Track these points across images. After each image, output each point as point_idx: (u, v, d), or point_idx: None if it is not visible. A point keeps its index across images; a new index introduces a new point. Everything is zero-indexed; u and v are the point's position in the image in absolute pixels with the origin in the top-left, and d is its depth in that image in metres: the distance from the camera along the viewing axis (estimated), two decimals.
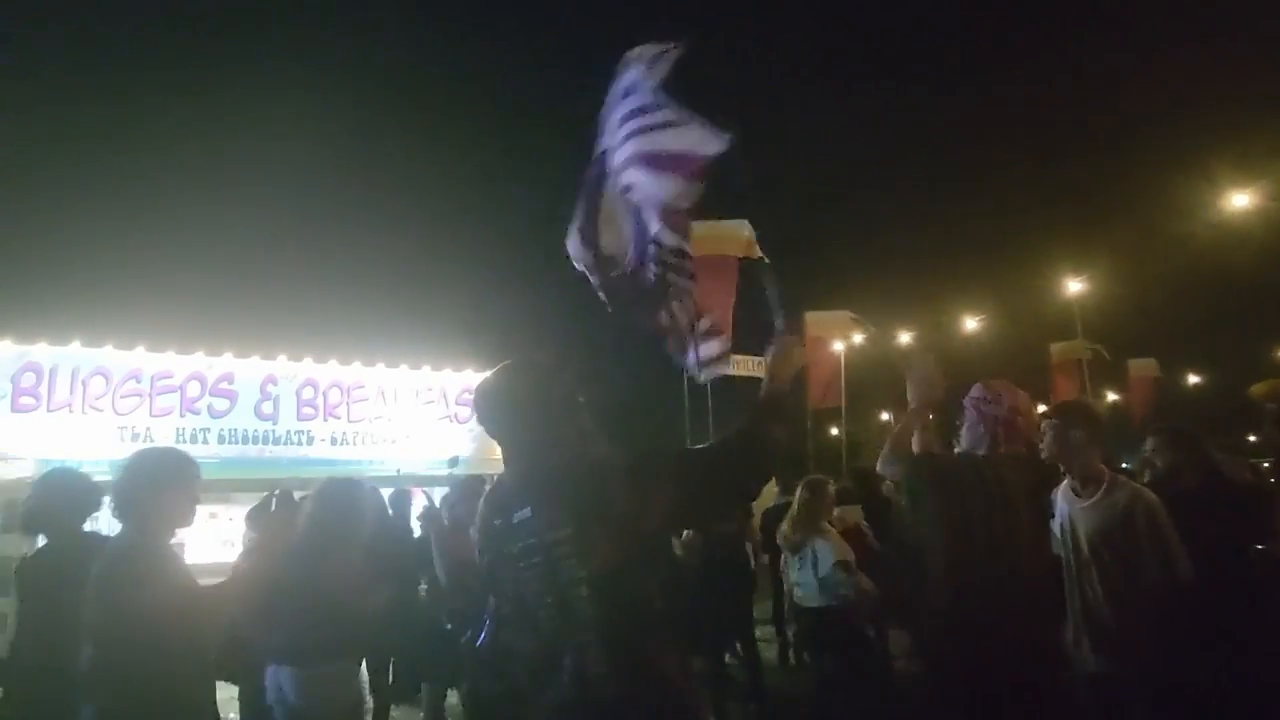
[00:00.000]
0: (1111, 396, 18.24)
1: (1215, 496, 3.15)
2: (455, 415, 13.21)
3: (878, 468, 3.06)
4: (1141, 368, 16.21)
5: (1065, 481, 3.02)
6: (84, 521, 3.11)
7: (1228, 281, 22.49)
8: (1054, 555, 2.93)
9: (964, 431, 2.86)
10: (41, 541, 3.11)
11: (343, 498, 3.30)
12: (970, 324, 19.52)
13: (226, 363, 11.66)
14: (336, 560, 3.11)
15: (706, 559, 5.62)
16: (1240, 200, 13.30)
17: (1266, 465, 8.11)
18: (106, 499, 2.64)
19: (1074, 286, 15.67)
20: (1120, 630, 2.74)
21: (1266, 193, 13.25)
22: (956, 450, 2.94)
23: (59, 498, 3.08)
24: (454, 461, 12.95)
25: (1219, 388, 24.76)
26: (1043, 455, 2.95)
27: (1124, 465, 5.08)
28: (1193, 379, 25.71)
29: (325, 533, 3.17)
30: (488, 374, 2.02)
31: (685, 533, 5.60)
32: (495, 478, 1.99)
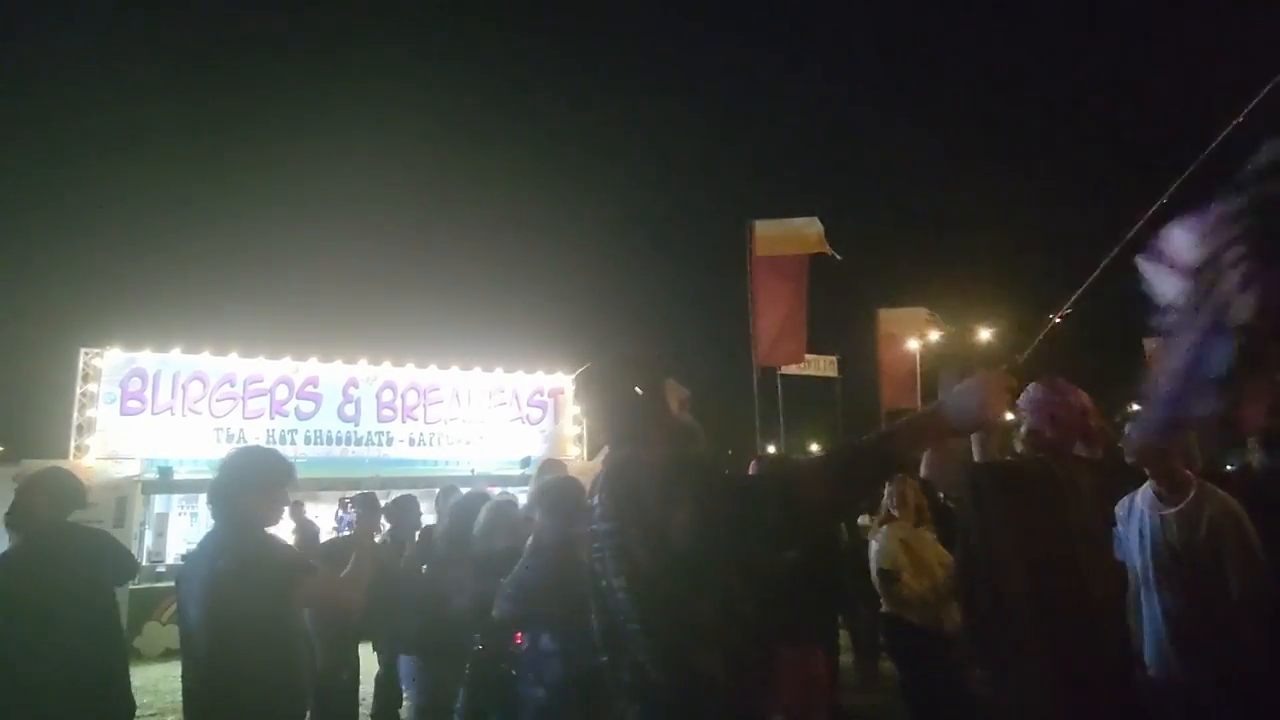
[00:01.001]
0: None
1: None
2: (527, 416, 13.44)
3: (922, 473, 2.74)
4: None
5: (1148, 485, 2.87)
6: (64, 517, 3.08)
7: None
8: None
9: (1024, 434, 2.61)
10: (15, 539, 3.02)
11: (472, 514, 3.49)
12: (1054, 320, 18.68)
13: (312, 367, 12.16)
14: (460, 572, 3.34)
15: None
16: None
17: None
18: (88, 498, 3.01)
19: None
20: (1205, 640, 2.61)
21: None
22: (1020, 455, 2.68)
23: (39, 495, 3.04)
24: (526, 461, 13.18)
25: None
26: (1127, 458, 2.79)
27: (1228, 468, 4.76)
28: None
29: (454, 545, 3.49)
30: (586, 365, 2.07)
31: None
32: None
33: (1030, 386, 2.67)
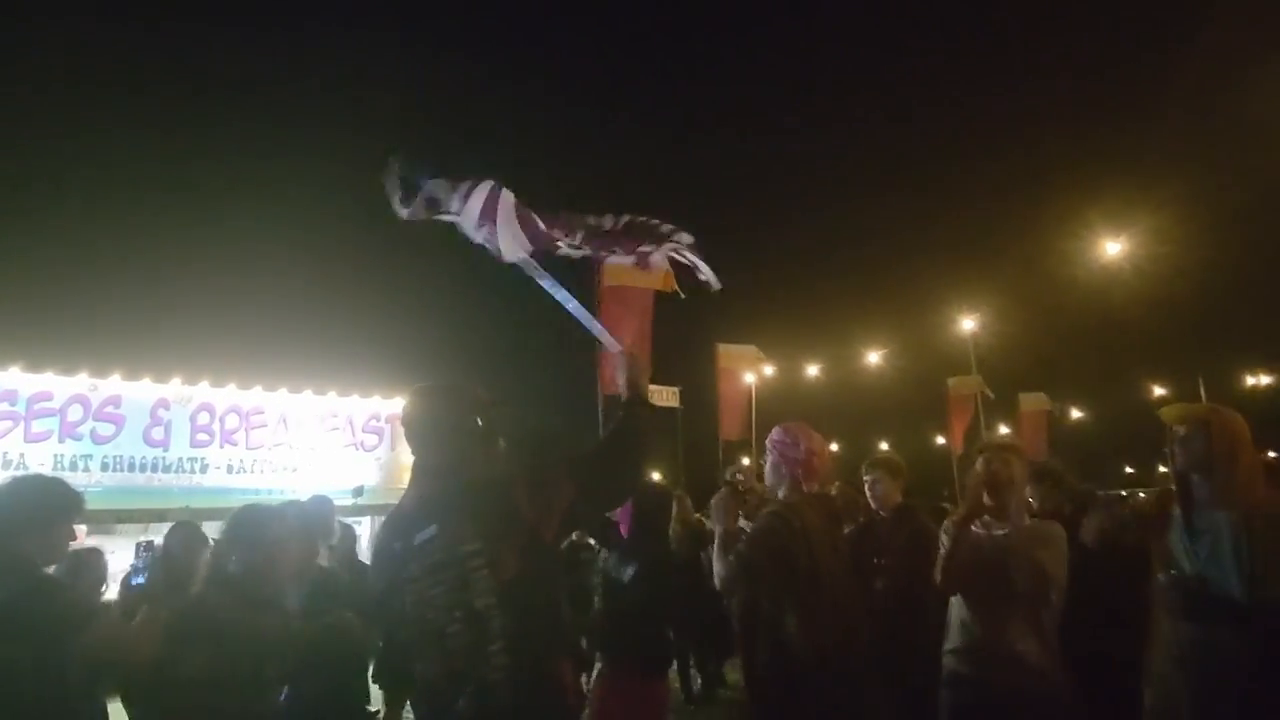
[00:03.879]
0: (1004, 429, 19.31)
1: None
2: (361, 443, 12.82)
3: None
4: (1032, 402, 17.19)
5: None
6: None
7: (1108, 321, 24.31)
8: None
9: (768, 471, 3.06)
10: None
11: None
12: (873, 359, 20.37)
13: (114, 385, 10.98)
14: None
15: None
16: (1114, 248, 14.48)
17: (1143, 495, 8.73)
18: None
19: (968, 324, 16.59)
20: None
21: (1137, 240, 14.48)
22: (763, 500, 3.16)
23: None
24: (358, 491, 12.54)
25: (1101, 422, 26.62)
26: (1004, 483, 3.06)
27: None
28: (1076, 414, 27.51)
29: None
30: (408, 397, 2.09)
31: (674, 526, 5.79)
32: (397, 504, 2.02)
33: (775, 429, 3.10)
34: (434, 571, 1.71)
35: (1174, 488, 2.80)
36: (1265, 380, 25.87)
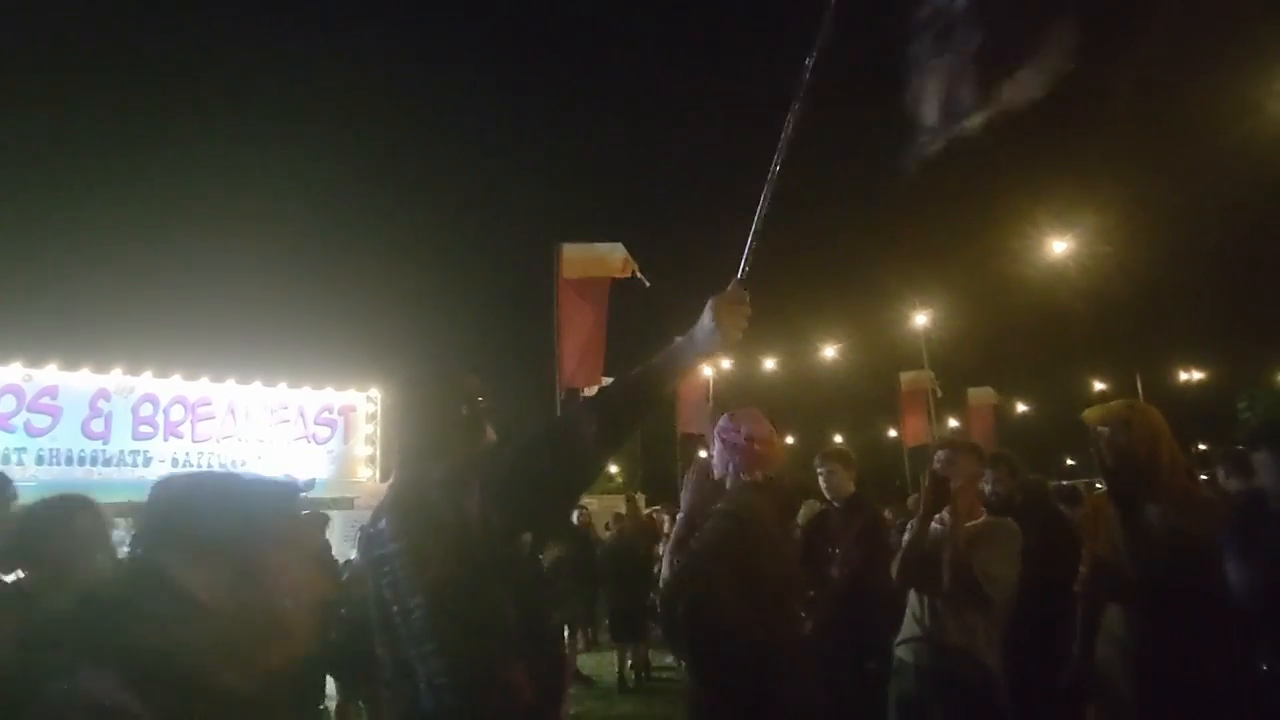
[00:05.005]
0: (953, 423, 19.79)
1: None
2: (314, 435, 12.54)
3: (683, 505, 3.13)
4: (980, 396, 17.63)
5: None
6: None
7: (1051, 317, 25.09)
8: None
9: (715, 460, 3.01)
10: None
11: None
12: (828, 353, 20.69)
13: (50, 375, 10.57)
14: None
15: None
16: (1059, 246, 14.94)
17: (1076, 485, 9.10)
18: None
19: (920, 320, 16.94)
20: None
21: (1080, 240, 14.96)
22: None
23: None
24: (309, 484, 12.29)
25: (1044, 415, 27.48)
26: (952, 485, 3.14)
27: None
28: (1021, 407, 28.34)
29: None
30: (397, 381, 2.08)
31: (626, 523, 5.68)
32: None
33: (722, 416, 3.05)
34: (377, 565, 1.70)
35: (1107, 484, 2.94)
36: (1198, 376, 27.01)
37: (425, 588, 1.61)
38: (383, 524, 1.72)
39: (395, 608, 1.65)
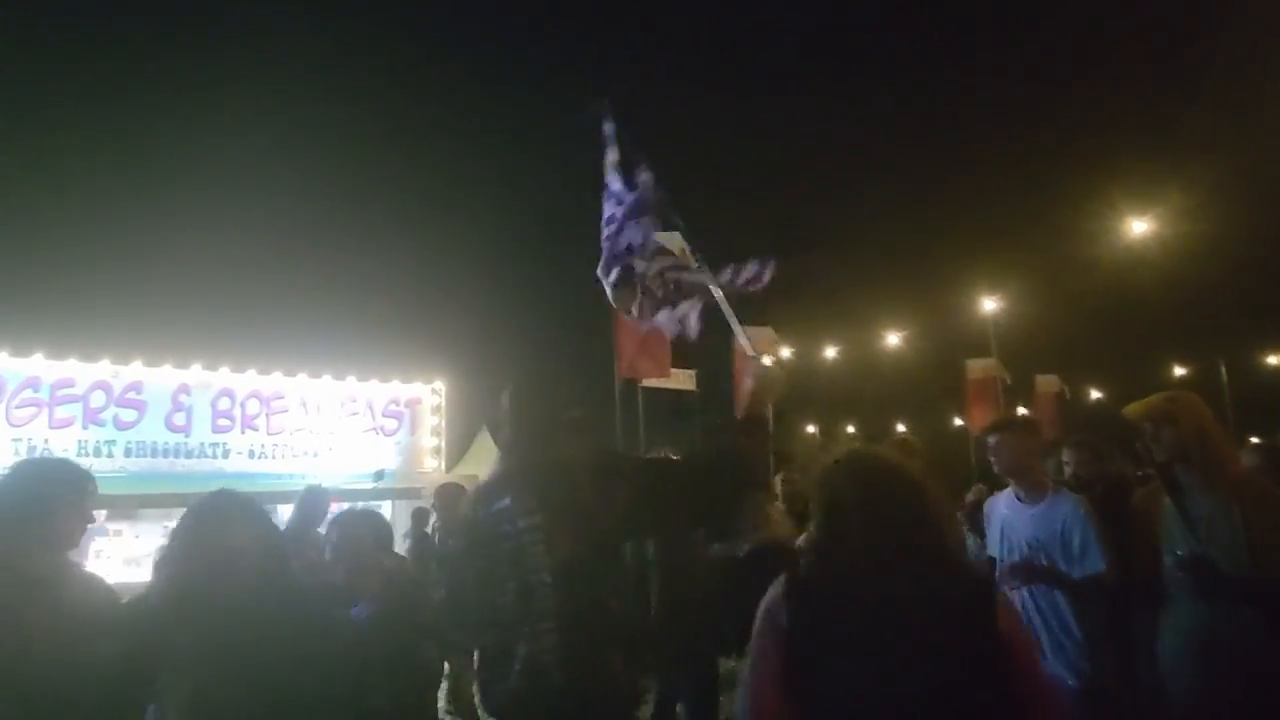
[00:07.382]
0: (1021, 410, 19.17)
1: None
2: (381, 428, 12.88)
3: None
4: (1046, 384, 17.07)
5: (1009, 488, 3.26)
6: None
7: (1129, 301, 24.01)
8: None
9: None
10: None
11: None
12: (891, 341, 20.24)
13: (135, 371, 11.09)
14: None
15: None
16: (1139, 227, 14.26)
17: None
18: None
19: (988, 306, 16.41)
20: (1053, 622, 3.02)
21: (1162, 220, 14.25)
22: None
23: None
24: (379, 475, 12.64)
25: (1121, 402, 26.38)
26: (995, 469, 3.22)
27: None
28: (1093, 394, 27.24)
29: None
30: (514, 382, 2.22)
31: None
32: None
33: None
34: (496, 541, 1.74)
35: (1159, 478, 2.85)
36: None
37: (554, 566, 1.65)
38: (507, 501, 1.75)
39: (512, 584, 1.68)
